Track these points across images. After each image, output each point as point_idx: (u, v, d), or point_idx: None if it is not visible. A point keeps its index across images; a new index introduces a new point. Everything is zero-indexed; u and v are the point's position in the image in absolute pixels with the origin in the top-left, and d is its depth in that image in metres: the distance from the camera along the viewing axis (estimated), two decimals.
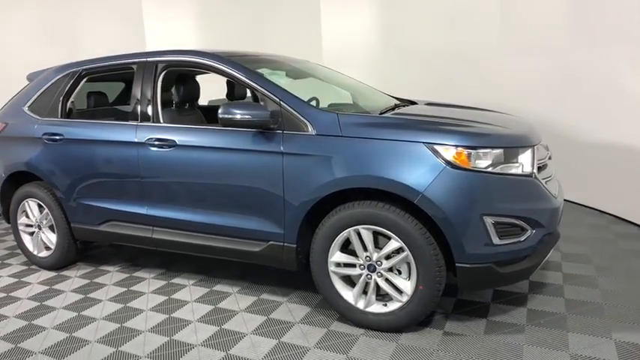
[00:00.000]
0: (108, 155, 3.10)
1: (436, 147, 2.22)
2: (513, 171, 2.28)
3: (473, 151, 2.21)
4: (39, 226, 3.56)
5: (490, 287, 2.77)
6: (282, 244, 2.61)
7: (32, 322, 2.80)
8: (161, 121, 2.99)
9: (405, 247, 2.28)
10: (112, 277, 3.41)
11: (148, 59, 3.07)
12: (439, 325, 2.49)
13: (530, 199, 2.29)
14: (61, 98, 3.38)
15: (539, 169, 2.50)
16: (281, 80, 2.97)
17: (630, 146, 3.85)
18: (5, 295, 3.21)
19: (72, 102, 3.46)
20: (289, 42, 6.50)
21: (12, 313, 2.94)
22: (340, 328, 2.52)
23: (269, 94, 2.62)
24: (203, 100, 4.02)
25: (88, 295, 3.12)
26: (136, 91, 3.05)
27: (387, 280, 2.39)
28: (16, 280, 3.47)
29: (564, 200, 4.52)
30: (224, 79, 3.36)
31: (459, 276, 2.25)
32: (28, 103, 3.52)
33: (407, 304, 2.34)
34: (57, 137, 3.28)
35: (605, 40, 4.02)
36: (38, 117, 3.44)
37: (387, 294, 2.40)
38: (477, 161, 2.22)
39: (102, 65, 3.33)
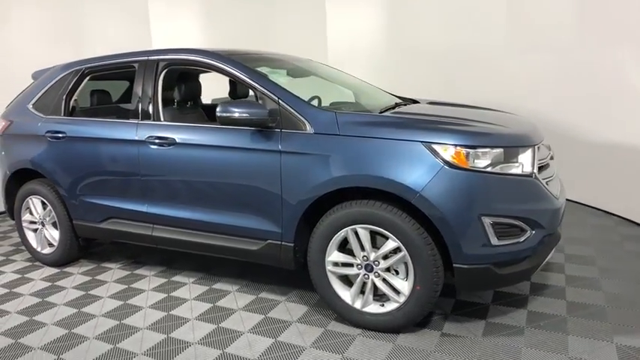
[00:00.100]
0: (109, 153, 3.12)
1: (434, 146, 2.20)
2: (513, 171, 2.25)
3: (471, 151, 2.18)
4: (42, 223, 3.59)
5: (489, 288, 2.74)
6: (279, 242, 2.60)
7: (33, 318, 2.83)
8: (162, 119, 2.99)
9: (403, 247, 2.26)
10: (113, 274, 3.43)
11: (149, 58, 3.08)
12: (437, 326, 2.46)
13: (530, 200, 2.26)
14: (64, 96, 3.41)
15: (541, 168, 2.47)
16: (281, 79, 2.96)
17: (638, 146, 3.79)
18: (8, 290, 3.25)
19: (75, 100, 3.49)
20: (295, 41, 6.50)
21: (14, 308, 2.97)
22: (337, 327, 2.51)
23: (267, 92, 2.61)
24: (207, 99, 4.03)
25: (89, 292, 3.14)
26: (137, 90, 3.06)
27: (384, 280, 2.37)
28: (20, 276, 3.50)
29: (569, 201, 4.51)
30: (228, 78, 3.35)
31: (457, 277, 2.22)
32: (32, 101, 3.56)
33: (404, 305, 2.32)
34: (60, 135, 3.31)
35: (611, 39, 3.95)
36: (42, 115, 3.47)
37: (385, 294, 2.38)
38: (475, 161, 2.19)
39: (104, 64, 3.35)
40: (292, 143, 2.48)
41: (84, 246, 3.59)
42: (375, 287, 2.41)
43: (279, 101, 2.56)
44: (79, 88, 3.46)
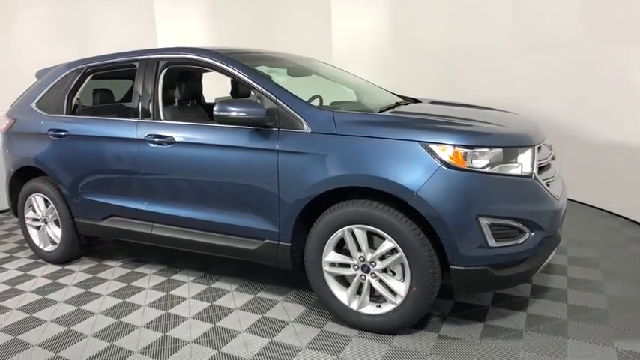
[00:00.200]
0: (110, 151, 3.13)
1: (431, 146, 2.17)
2: (512, 171, 2.22)
3: (469, 151, 2.16)
4: (45, 220, 3.62)
5: (486, 290, 2.70)
6: (277, 242, 2.59)
7: (33, 314, 2.85)
8: (162, 118, 3.00)
9: (399, 248, 2.23)
10: (114, 272, 3.45)
11: (150, 57, 3.09)
12: (435, 328, 2.43)
13: (529, 201, 2.22)
14: (67, 95, 3.43)
15: (542, 169, 2.44)
16: (280, 78, 2.94)
17: None
18: (10, 287, 3.28)
19: (77, 99, 3.51)
20: (300, 40, 6.49)
21: (15, 305, 2.99)
22: (334, 328, 2.49)
23: (265, 91, 2.60)
24: (211, 98, 4.03)
25: (89, 290, 3.16)
26: (138, 88, 3.07)
27: (381, 281, 2.35)
28: (22, 273, 3.53)
29: (574, 202, 4.45)
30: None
31: (454, 278, 2.19)
32: (36, 100, 3.58)
33: (400, 306, 2.30)
34: (62, 133, 3.33)
35: (619, 37, 3.88)
36: (45, 113, 3.50)
37: (382, 295, 2.36)
38: (473, 161, 2.16)
39: (106, 62, 3.36)
40: (289, 142, 2.47)
41: (85, 244, 3.61)
42: (371, 288, 2.39)
43: (277, 100, 2.55)
44: (82, 87, 3.48)
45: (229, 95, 3.64)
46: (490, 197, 2.16)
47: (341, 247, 2.45)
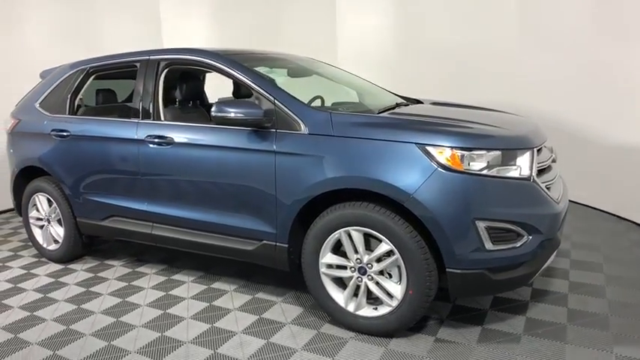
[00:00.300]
0: (111, 152, 3.15)
1: (428, 148, 2.15)
2: (510, 174, 2.19)
3: (466, 153, 2.14)
4: (48, 219, 3.65)
5: (483, 294, 2.67)
6: (274, 243, 2.59)
7: (34, 313, 2.87)
8: (162, 118, 3.01)
9: (395, 250, 2.22)
10: (115, 271, 3.47)
11: (150, 57, 3.10)
12: (432, 331, 2.42)
13: (527, 204, 2.19)
14: (70, 95, 3.46)
15: (542, 171, 2.41)
16: (279, 78, 2.94)
17: None
18: (13, 286, 3.31)
19: (80, 99, 3.54)
20: (304, 40, 6.49)
21: (16, 304, 3.02)
22: (330, 330, 2.49)
23: (263, 92, 2.60)
24: (214, 98, 4.03)
25: (90, 289, 3.18)
26: (139, 89, 3.09)
27: (377, 283, 2.34)
28: (25, 271, 3.57)
29: (579, 204, 4.40)
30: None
31: (450, 281, 2.17)
32: (39, 100, 3.62)
33: (397, 309, 2.28)
34: (64, 133, 3.36)
35: (627, 37, 3.82)
36: (48, 113, 3.53)
37: (378, 297, 2.35)
38: (470, 163, 2.14)
39: (108, 63, 3.39)
40: (287, 144, 2.46)
41: (87, 243, 3.64)
42: (368, 290, 2.38)
43: (275, 101, 2.54)
44: (84, 87, 3.51)
45: (232, 96, 3.64)
46: (487, 200, 2.13)
47: (338, 249, 2.44)
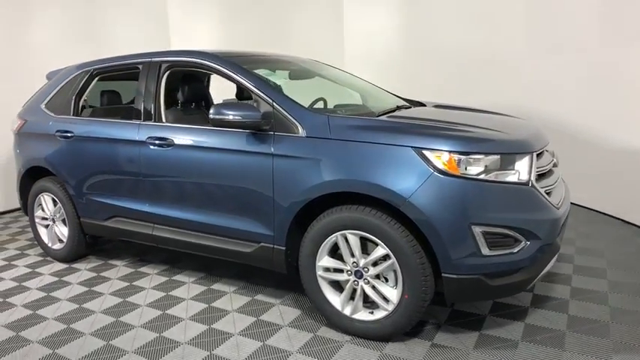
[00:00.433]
0: (113, 153, 3.18)
1: (424, 152, 2.14)
2: (508, 179, 2.17)
3: (463, 157, 2.12)
4: (53, 219, 3.70)
5: (480, 299, 2.65)
6: (272, 246, 2.59)
7: (36, 311, 2.91)
8: (163, 120, 3.04)
9: (391, 255, 2.21)
10: (118, 271, 3.51)
11: (152, 59, 3.13)
12: (428, 336, 2.40)
13: (526, 209, 2.17)
14: (74, 96, 3.51)
15: (542, 176, 2.38)
16: (279, 81, 2.95)
17: None
18: (17, 284, 3.36)
19: (84, 100, 3.58)
20: (312, 42, 6.50)
21: (20, 302, 3.07)
22: (327, 333, 2.48)
23: (262, 94, 2.60)
24: (219, 100, 4.05)
25: (92, 288, 3.22)
26: (141, 91, 3.11)
27: (373, 287, 2.33)
28: (30, 270, 3.62)
29: (586, 208, 4.34)
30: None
31: (446, 286, 2.16)
32: (45, 101, 3.67)
33: (393, 313, 2.27)
34: (68, 134, 3.40)
35: (630, 39, 3.76)
36: (53, 114, 3.58)
37: (375, 301, 2.34)
38: (467, 168, 2.12)
39: (112, 65, 3.42)
40: (284, 146, 2.47)
41: (91, 243, 3.68)
42: (365, 294, 2.37)
43: (274, 104, 2.55)
44: (89, 89, 3.55)
45: (235, 98, 3.66)
46: (484, 205, 2.11)
47: (335, 252, 2.44)
